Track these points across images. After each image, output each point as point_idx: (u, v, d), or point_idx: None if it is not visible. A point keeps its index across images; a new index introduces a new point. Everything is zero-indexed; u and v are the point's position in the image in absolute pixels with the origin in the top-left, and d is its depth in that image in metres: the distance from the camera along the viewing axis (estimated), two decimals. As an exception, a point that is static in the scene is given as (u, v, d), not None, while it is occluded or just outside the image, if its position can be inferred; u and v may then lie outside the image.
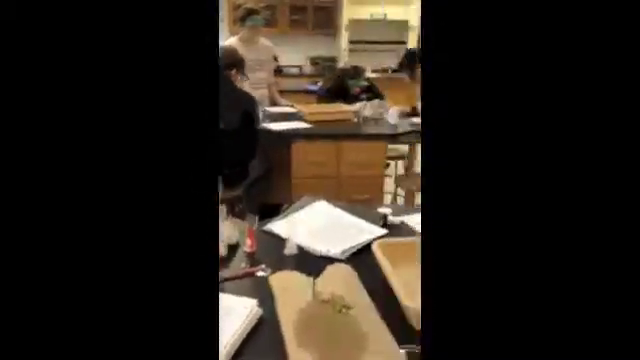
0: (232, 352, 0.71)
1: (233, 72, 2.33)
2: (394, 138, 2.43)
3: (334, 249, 1.05)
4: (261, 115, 2.78)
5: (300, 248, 1.07)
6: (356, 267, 0.97)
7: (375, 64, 4.79)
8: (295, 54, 4.98)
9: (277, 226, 1.18)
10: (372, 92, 3.18)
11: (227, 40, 3.07)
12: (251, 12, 3.00)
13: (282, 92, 3.67)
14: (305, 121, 2.69)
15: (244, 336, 0.75)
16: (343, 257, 1.03)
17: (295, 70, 5.01)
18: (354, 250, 1.06)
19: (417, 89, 2.82)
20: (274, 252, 1.06)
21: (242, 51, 3.02)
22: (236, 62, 2.33)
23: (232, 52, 2.35)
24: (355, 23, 4.83)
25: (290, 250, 1.06)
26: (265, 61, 3.10)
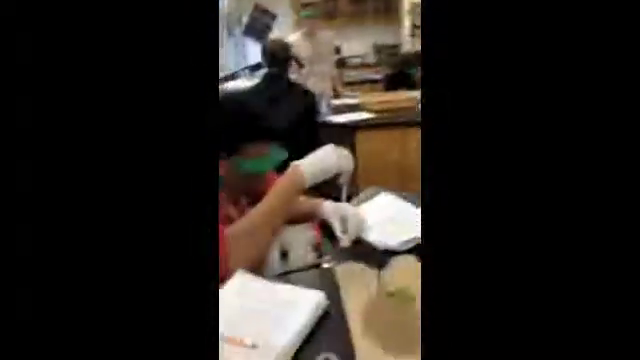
0: (297, 345, 0.70)
1: (289, 67, 2.33)
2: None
3: (396, 240, 1.02)
4: (324, 108, 2.79)
5: (361, 241, 1.05)
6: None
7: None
8: (358, 44, 4.92)
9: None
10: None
11: (290, 36, 3.10)
12: (306, 5, 3.02)
13: (347, 84, 3.64)
14: (368, 111, 2.65)
15: (309, 329, 0.74)
16: (404, 248, 0.99)
17: (358, 60, 4.96)
18: (418, 241, 1.01)
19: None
20: (338, 244, 1.05)
21: (302, 45, 3.05)
22: (288, 57, 2.32)
23: (284, 47, 2.34)
24: (417, 7, 4.66)
25: (343, 243, 1.04)
26: (325, 53, 3.10)
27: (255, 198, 1.09)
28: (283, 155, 1.05)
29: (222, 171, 1.02)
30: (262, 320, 0.75)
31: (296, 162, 0.99)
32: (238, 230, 0.93)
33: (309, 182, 0.97)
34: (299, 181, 0.97)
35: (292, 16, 4.48)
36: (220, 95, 1.12)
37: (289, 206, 0.99)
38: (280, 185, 0.99)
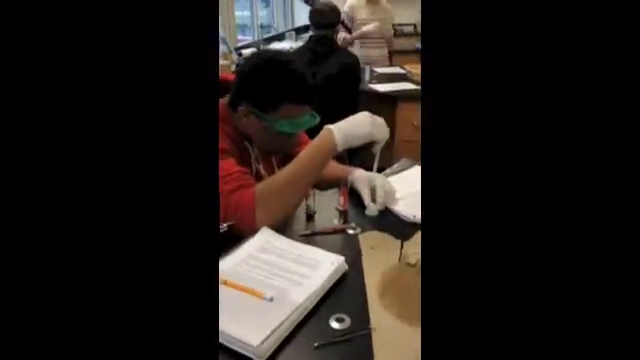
0: (313, 303, 0.72)
1: (336, 32, 2.28)
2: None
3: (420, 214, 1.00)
4: (368, 76, 2.73)
5: (388, 211, 1.05)
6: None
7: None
8: (411, 11, 4.74)
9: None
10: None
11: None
12: None
13: (396, 52, 3.55)
14: (414, 82, 2.58)
15: (326, 289, 0.75)
16: None
17: (410, 29, 4.80)
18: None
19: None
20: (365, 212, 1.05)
21: (361, 7, 2.99)
22: (336, 21, 2.28)
23: (332, 10, 2.30)
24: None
25: (370, 212, 1.04)
26: (385, 21, 3.02)
27: (286, 158, 1.10)
28: (316, 119, 1.05)
29: (255, 128, 1.03)
30: (282, 276, 0.77)
31: (329, 125, 0.99)
32: (266, 187, 0.95)
33: (340, 146, 0.97)
34: (330, 144, 0.97)
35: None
36: (263, 54, 1.12)
37: (319, 168, 0.99)
38: (311, 146, 0.99)
